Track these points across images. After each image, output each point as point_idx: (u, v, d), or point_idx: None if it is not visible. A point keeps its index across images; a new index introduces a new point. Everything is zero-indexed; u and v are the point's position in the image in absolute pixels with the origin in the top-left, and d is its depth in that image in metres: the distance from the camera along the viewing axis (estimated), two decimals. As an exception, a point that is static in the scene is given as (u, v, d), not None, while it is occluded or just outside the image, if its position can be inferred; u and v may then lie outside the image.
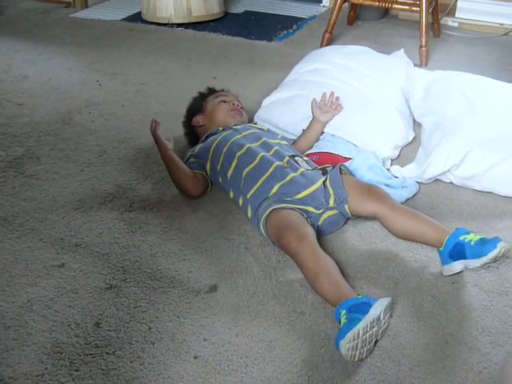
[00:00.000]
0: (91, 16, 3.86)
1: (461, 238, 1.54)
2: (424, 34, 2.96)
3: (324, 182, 1.71)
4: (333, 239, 1.70)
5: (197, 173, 1.88)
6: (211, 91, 2.20)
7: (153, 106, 2.53)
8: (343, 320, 1.31)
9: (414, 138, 2.22)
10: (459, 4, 3.66)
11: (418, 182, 1.94)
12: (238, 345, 1.34)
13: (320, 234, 1.66)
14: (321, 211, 1.67)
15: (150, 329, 1.38)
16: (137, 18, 3.84)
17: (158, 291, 1.49)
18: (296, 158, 1.81)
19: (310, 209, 1.66)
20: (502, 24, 3.55)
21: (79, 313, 1.43)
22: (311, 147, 2.04)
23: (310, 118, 2.08)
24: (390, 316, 1.40)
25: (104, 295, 1.48)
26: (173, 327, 1.39)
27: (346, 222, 1.75)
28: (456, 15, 3.70)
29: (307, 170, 1.76)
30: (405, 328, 1.39)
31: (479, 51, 3.24)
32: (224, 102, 2.12)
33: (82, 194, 1.90)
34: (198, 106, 2.14)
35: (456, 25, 3.68)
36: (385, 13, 3.87)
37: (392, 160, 2.10)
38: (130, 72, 2.92)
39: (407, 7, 3.13)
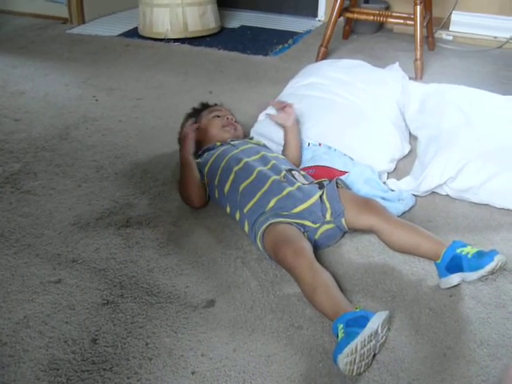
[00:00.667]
0: (88, 32, 3.89)
1: (458, 250, 1.54)
2: (419, 48, 2.98)
3: (321, 196, 1.71)
4: (330, 253, 1.70)
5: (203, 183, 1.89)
6: (204, 106, 2.21)
7: (150, 121, 2.54)
8: (341, 334, 1.31)
9: (410, 151, 2.23)
10: (453, 17, 3.70)
11: (414, 195, 1.94)
12: (235, 360, 1.34)
13: (317, 247, 1.66)
14: (318, 225, 1.67)
15: (147, 344, 1.38)
16: (133, 33, 3.87)
17: (155, 306, 1.49)
18: (293, 172, 1.81)
19: (307, 223, 1.66)
20: (496, 37, 3.58)
21: (76, 329, 1.42)
22: (300, 157, 2.04)
23: (307, 131, 2.09)
24: (388, 329, 1.40)
25: (101, 311, 1.47)
26: (170, 343, 1.38)
27: (342, 236, 1.75)
28: (450, 28, 3.73)
29: (304, 184, 1.76)
30: (403, 341, 1.39)
31: (474, 64, 3.26)
32: (218, 116, 2.11)
33: (78, 209, 1.90)
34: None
35: (450, 38, 3.71)
36: (380, 27, 3.90)
37: (388, 173, 2.10)
38: (126, 87, 2.93)
39: (402, 21, 3.15)
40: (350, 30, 3.72)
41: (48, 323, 1.43)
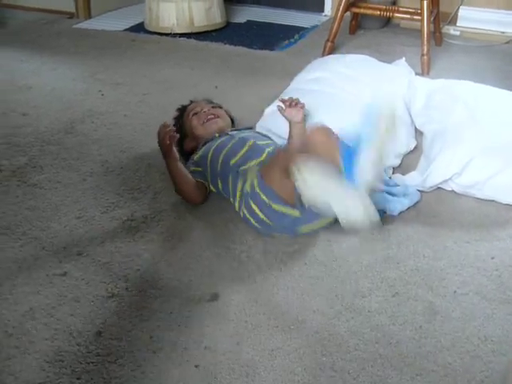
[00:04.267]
0: (94, 26, 3.89)
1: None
2: (426, 43, 2.97)
3: None
4: (334, 249, 1.70)
5: (198, 181, 1.88)
6: (181, 111, 2.20)
7: (155, 115, 2.54)
8: None
9: (416, 146, 2.22)
10: (461, 13, 3.68)
11: (419, 191, 1.94)
12: (239, 353, 1.34)
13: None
14: None
15: (151, 337, 1.38)
16: (139, 28, 3.87)
17: (160, 300, 1.49)
18: None
19: None
20: (503, 32, 3.57)
21: (81, 321, 1.43)
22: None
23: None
24: None
25: (106, 304, 1.48)
26: (174, 336, 1.39)
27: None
28: (458, 24, 3.71)
29: None
30: (406, 336, 1.39)
31: (481, 60, 3.25)
32: (195, 114, 2.11)
33: (84, 203, 1.90)
34: (179, 132, 2.09)
35: (458, 33, 3.69)
36: (386, 22, 3.88)
37: (394, 168, 2.10)
38: (132, 82, 2.94)
39: (409, 16, 3.14)
40: (357, 24, 3.71)
41: (53, 315, 1.44)
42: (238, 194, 1.78)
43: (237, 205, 1.79)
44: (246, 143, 1.88)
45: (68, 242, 1.71)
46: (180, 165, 1.85)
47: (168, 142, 1.79)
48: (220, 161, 1.86)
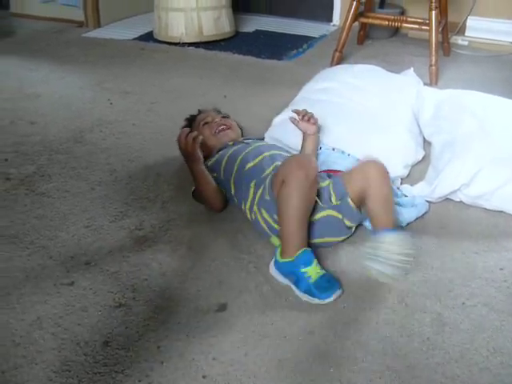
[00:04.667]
0: (103, 35, 3.91)
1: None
2: (434, 53, 2.97)
3: (329, 184, 1.74)
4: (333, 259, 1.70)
5: (218, 187, 1.88)
6: (190, 120, 2.22)
7: (164, 124, 2.55)
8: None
9: (424, 157, 2.22)
10: (469, 23, 3.67)
11: (427, 201, 1.93)
12: (246, 364, 1.34)
13: (315, 235, 1.68)
14: (324, 206, 1.69)
15: (158, 347, 1.38)
16: (148, 37, 3.89)
17: (167, 310, 1.49)
18: None
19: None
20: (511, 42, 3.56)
21: (88, 331, 1.43)
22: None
23: (321, 136, 2.08)
24: None
25: (113, 313, 1.48)
26: (182, 346, 1.38)
27: (343, 240, 1.75)
28: (466, 34, 3.71)
29: None
30: (414, 348, 1.38)
31: (489, 70, 3.25)
32: (206, 123, 2.13)
33: (92, 212, 1.91)
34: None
35: (466, 43, 3.69)
36: (394, 31, 3.89)
37: (402, 179, 2.10)
38: (141, 91, 2.95)
39: (417, 26, 3.14)
40: (365, 34, 3.72)
41: (61, 325, 1.44)
42: (249, 198, 1.77)
43: (247, 208, 1.79)
44: (262, 153, 1.87)
45: (76, 252, 1.71)
46: (204, 167, 1.85)
47: (192, 143, 1.80)
48: (236, 166, 1.86)
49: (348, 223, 1.71)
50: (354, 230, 1.76)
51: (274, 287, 1.58)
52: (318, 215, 1.68)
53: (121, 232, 1.81)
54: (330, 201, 1.70)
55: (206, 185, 1.85)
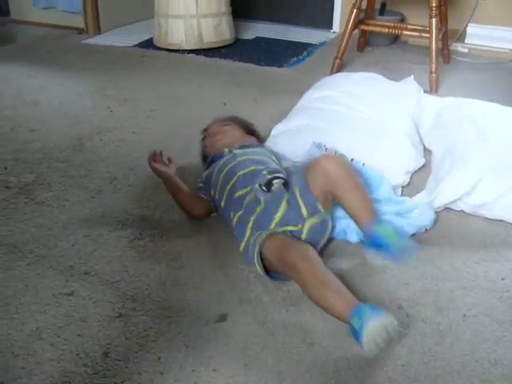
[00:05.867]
0: (103, 42, 3.92)
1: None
2: (434, 61, 2.97)
3: (288, 200, 1.70)
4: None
5: (200, 196, 1.89)
6: (203, 132, 2.22)
7: (163, 132, 2.54)
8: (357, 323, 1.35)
9: (424, 165, 2.22)
10: (469, 30, 3.68)
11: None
12: (247, 376, 1.33)
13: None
14: (299, 226, 1.67)
15: (159, 358, 1.37)
16: (148, 44, 3.90)
17: (167, 320, 1.49)
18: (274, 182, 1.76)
19: (290, 228, 1.66)
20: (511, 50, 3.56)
21: (88, 342, 1.42)
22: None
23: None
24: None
25: (113, 324, 1.47)
26: (182, 357, 1.38)
27: (332, 230, 1.76)
28: (466, 41, 3.72)
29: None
30: (415, 359, 1.37)
31: (489, 77, 3.25)
32: (208, 135, 2.16)
33: (92, 221, 1.90)
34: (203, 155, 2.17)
35: (466, 51, 3.70)
36: (395, 39, 3.90)
37: (402, 187, 2.09)
38: (140, 98, 2.95)
39: (417, 34, 3.15)
40: (365, 42, 3.72)
41: (60, 335, 1.43)
42: (235, 219, 1.77)
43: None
44: (236, 173, 1.83)
45: (75, 261, 1.71)
46: (173, 178, 1.91)
47: (150, 162, 1.94)
48: (219, 184, 1.86)
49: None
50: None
51: (274, 298, 1.57)
52: (303, 236, 1.67)
53: (121, 241, 1.80)
54: (301, 215, 1.67)
55: (178, 195, 1.89)
